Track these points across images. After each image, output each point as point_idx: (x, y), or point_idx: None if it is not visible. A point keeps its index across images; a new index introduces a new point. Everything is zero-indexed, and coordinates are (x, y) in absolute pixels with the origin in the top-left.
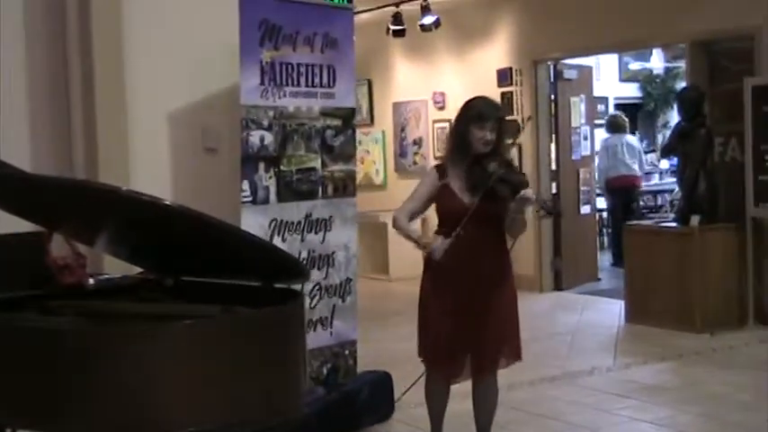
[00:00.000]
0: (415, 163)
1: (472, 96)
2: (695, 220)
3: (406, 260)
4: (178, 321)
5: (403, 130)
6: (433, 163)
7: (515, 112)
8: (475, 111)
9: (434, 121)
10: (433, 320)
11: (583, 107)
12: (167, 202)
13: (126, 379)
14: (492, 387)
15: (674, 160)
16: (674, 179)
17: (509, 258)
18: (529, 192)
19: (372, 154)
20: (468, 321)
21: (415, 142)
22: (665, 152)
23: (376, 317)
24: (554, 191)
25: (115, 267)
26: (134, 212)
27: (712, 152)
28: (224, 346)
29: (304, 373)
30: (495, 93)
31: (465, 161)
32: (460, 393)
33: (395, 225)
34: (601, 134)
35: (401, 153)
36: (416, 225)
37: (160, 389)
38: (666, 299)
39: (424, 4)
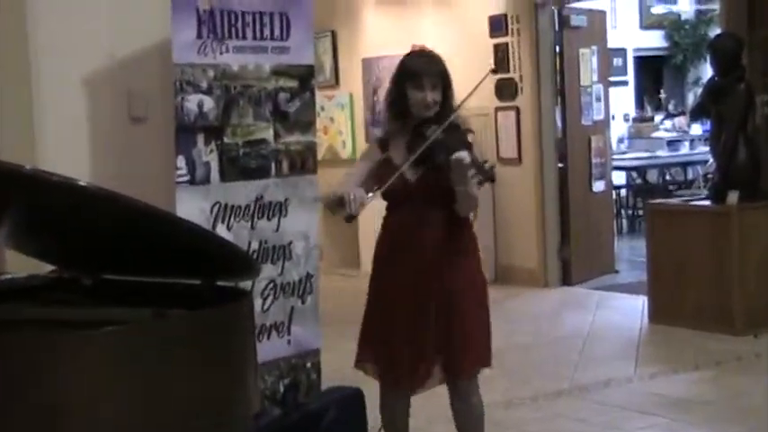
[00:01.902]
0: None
1: (456, 51)
2: (733, 196)
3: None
4: (98, 329)
5: (375, 92)
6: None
7: (511, 69)
8: (410, 68)
9: None
10: (378, 319)
11: (595, 61)
12: (83, 184)
13: (35, 399)
14: (471, 399)
15: (707, 124)
16: (708, 147)
17: (469, 240)
18: (461, 154)
19: (338, 122)
20: (413, 315)
21: None
22: (696, 114)
23: (344, 321)
24: (560, 164)
25: (20, 265)
26: (41, 197)
27: (753, 113)
28: (154, 357)
29: (254, 390)
30: (486, 45)
31: (406, 129)
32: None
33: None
34: (617, 92)
35: (373, 121)
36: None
37: (77, 409)
38: (699, 294)
39: None
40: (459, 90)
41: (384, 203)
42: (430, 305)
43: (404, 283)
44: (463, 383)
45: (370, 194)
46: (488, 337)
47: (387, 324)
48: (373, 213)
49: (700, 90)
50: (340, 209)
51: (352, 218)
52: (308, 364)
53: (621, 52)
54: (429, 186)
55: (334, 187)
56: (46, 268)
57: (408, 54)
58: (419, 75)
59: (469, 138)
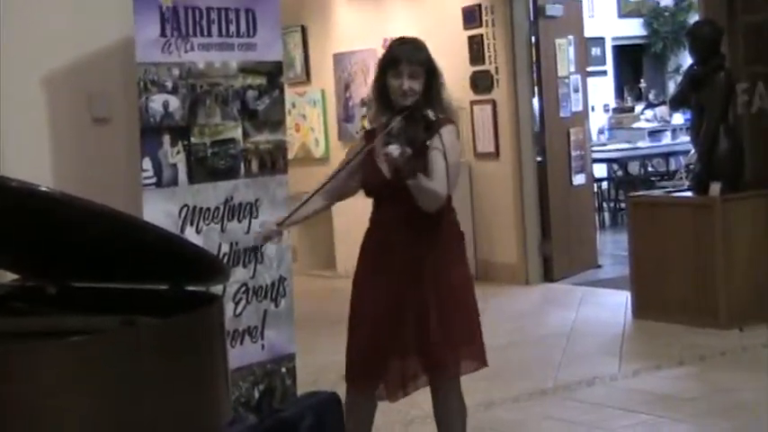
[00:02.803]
0: (363, 129)
1: (431, 43)
2: (715, 187)
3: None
4: (62, 338)
5: (347, 87)
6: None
7: (487, 61)
8: (390, 55)
9: None
10: (358, 323)
11: (572, 51)
12: (44, 189)
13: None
14: (451, 402)
15: (689, 113)
16: (689, 137)
17: (452, 237)
18: (389, 148)
19: (310, 119)
20: (396, 314)
21: (363, 103)
22: (676, 103)
23: (319, 324)
24: (539, 158)
25: None
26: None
27: (734, 102)
28: (122, 366)
29: (226, 398)
30: (460, 37)
31: (387, 121)
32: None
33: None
34: (596, 82)
35: (346, 117)
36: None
37: (40, 425)
38: (683, 288)
39: None
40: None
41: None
42: (407, 308)
43: (380, 284)
44: (447, 385)
45: (280, 225)
46: (480, 334)
47: (364, 329)
48: (347, 213)
49: (680, 78)
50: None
51: (256, 248)
52: (283, 370)
53: (599, 41)
54: (403, 182)
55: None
56: (9, 277)
57: (392, 41)
58: (398, 62)
59: (445, 129)
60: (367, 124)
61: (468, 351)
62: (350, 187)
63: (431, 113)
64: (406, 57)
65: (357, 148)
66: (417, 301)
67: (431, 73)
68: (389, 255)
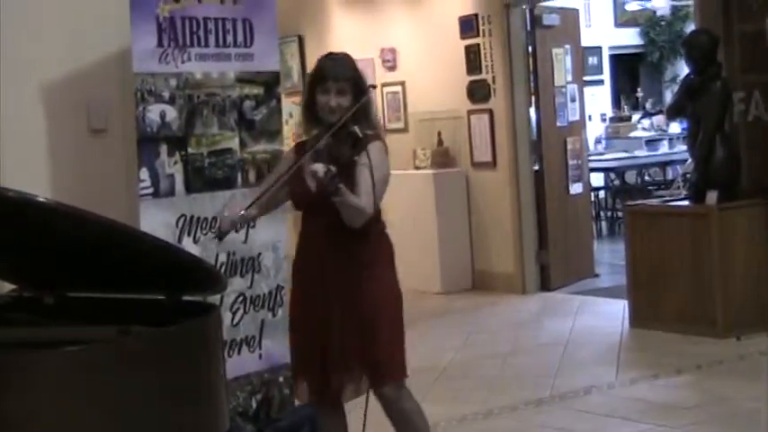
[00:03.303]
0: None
1: (427, 53)
2: (712, 196)
3: None
4: (60, 348)
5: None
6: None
7: (483, 70)
8: (317, 71)
9: (384, 85)
10: (295, 337)
11: (569, 61)
12: (42, 199)
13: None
14: (393, 403)
15: (685, 123)
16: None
17: (377, 250)
18: (315, 166)
19: None
20: (328, 330)
21: None
22: (673, 113)
23: None
24: (536, 167)
25: None
26: None
27: (730, 111)
28: (118, 376)
29: (224, 408)
30: (457, 46)
31: (322, 133)
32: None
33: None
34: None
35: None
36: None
37: None
38: (680, 296)
39: None
40: (435, 92)
41: None
42: (333, 320)
43: (309, 296)
44: (386, 393)
45: (245, 213)
46: (401, 348)
47: (299, 339)
48: None
49: (677, 88)
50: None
51: (222, 236)
52: (281, 379)
53: (596, 51)
54: (328, 197)
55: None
56: (6, 287)
57: (321, 57)
58: (325, 78)
59: (372, 146)
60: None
61: (393, 360)
62: (278, 199)
63: (358, 130)
64: (333, 74)
65: (289, 161)
66: (345, 311)
67: (358, 90)
68: (318, 268)
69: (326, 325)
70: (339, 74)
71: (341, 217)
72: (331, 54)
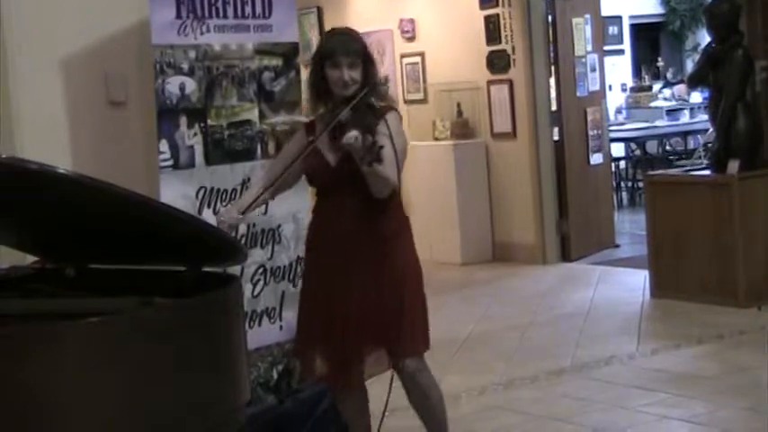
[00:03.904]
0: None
1: (446, 24)
2: (733, 165)
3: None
4: (81, 319)
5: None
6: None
7: (503, 41)
8: (325, 47)
9: (402, 56)
10: (307, 314)
11: (589, 30)
12: (62, 171)
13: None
14: (413, 378)
15: (707, 92)
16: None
17: (396, 226)
18: (350, 134)
19: None
20: (346, 306)
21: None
22: (693, 82)
23: None
24: (556, 137)
25: (2, 257)
26: (19, 185)
27: (753, 80)
28: (141, 347)
29: (245, 378)
30: (477, 16)
31: (329, 111)
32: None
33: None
34: (613, 61)
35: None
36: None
37: (59, 406)
38: (701, 266)
39: None
40: (454, 63)
41: None
42: (353, 296)
43: (327, 272)
44: (408, 367)
45: (243, 212)
46: (424, 320)
47: (313, 318)
48: None
49: (698, 57)
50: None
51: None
52: None
53: (617, 20)
54: (350, 170)
55: (255, 181)
56: (29, 259)
57: (327, 33)
58: (335, 53)
59: (389, 116)
60: None
61: (415, 334)
62: (289, 181)
63: (375, 101)
64: (343, 48)
65: (299, 140)
66: (365, 286)
67: (367, 62)
68: (336, 243)
69: (346, 300)
70: (350, 48)
71: (358, 192)
72: (335, 29)
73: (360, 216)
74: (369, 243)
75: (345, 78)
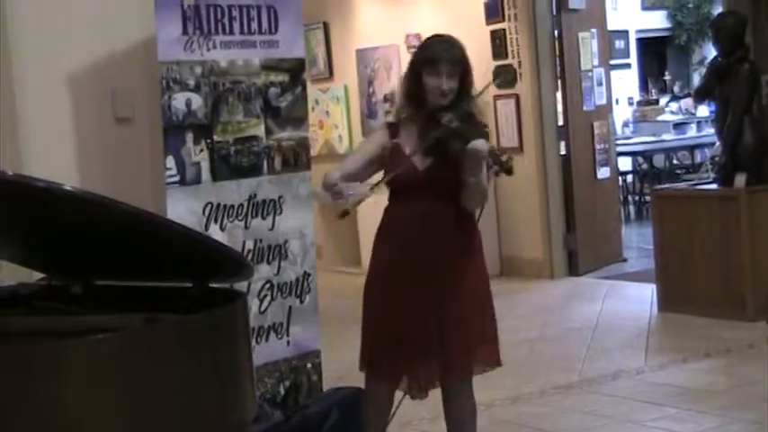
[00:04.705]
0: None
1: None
2: (741, 179)
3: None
4: (87, 336)
5: (370, 83)
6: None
7: (509, 55)
8: (427, 53)
9: None
10: (374, 315)
11: (595, 45)
12: (69, 188)
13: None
14: (462, 400)
15: (713, 106)
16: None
17: (475, 237)
18: (478, 143)
19: (333, 116)
20: (418, 315)
21: (385, 98)
22: (700, 96)
23: (345, 320)
24: (562, 152)
25: (9, 274)
26: (26, 203)
27: (759, 93)
28: (145, 364)
29: (251, 395)
30: (483, 31)
31: (420, 116)
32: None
33: (323, 185)
34: (620, 75)
35: (369, 113)
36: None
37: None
38: (709, 280)
39: None
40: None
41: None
42: (430, 308)
43: (404, 279)
44: (464, 385)
45: (372, 188)
46: (495, 335)
47: (385, 322)
48: (373, 207)
49: (705, 70)
50: (337, 202)
51: (346, 214)
52: (309, 365)
53: (623, 34)
54: (438, 177)
55: (329, 173)
56: (35, 276)
57: (427, 39)
58: (436, 61)
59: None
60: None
61: (482, 353)
62: (363, 177)
63: (477, 112)
64: (445, 56)
65: (380, 138)
66: (437, 300)
67: (466, 72)
68: (409, 251)
69: (424, 312)
70: (451, 57)
71: (438, 201)
72: (438, 36)
73: (436, 227)
74: (452, 252)
75: (444, 88)
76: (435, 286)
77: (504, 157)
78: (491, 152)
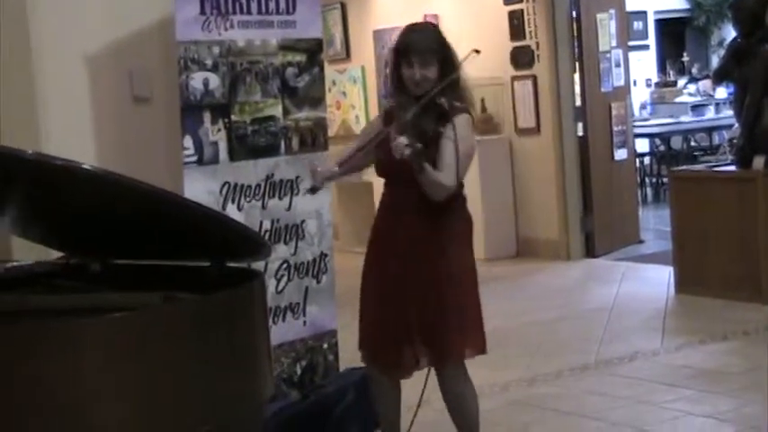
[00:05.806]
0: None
1: (471, 19)
2: (759, 161)
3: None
4: (106, 315)
5: (387, 64)
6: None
7: (527, 36)
8: (399, 44)
9: None
10: (366, 302)
11: (613, 26)
12: (87, 167)
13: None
14: (451, 382)
15: (732, 87)
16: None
17: (454, 226)
18: (399, 140)
19: (350, 96)
20: (400, 300)
21: None
22: (719, 77)
23: None
24: (580, 133)
25: (27, 252)
26: (45, 181)
27: None
28: (164, 343)
29: (268, 373)
30: (501, 12)
31: (409, 104)
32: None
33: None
34: (638, 56)
35: (386, 94)
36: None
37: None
38: (726, 262)
39: None
40: (478, 58)
41: None
42: (407, 292)
43: (385, 265)
44: (448, 371)
45: (340, 168)
46: (479, 323)
47: (371, 308)
48: None
49: (724, 52)
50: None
51: (315, 189)
52: (325, 345)
53: (642, 15)
54: (408, 166)
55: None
56: (53, 255)
57: (404, 28)
58: (407, 51)
59: (459, 118)
60: None
61: (459, 340)
62: (361, 164)
63: (445, 102)
64: (415, 46)
65: (376, 127)
66: (419, 283)
67: (445, 60)
68: (395, 237)
69: (401, 297)
70: (422, 46)
71: (412, 189)
72: (413, 26)
73: (418, 214)
74: (426, 239)
75: (416, 77)
76: (416, 269)
77: (420, 156)
78: (411, 147)
